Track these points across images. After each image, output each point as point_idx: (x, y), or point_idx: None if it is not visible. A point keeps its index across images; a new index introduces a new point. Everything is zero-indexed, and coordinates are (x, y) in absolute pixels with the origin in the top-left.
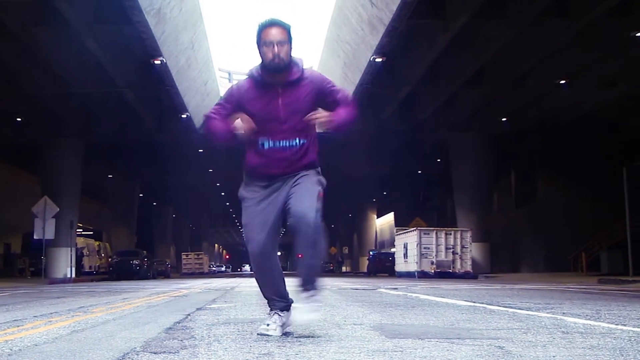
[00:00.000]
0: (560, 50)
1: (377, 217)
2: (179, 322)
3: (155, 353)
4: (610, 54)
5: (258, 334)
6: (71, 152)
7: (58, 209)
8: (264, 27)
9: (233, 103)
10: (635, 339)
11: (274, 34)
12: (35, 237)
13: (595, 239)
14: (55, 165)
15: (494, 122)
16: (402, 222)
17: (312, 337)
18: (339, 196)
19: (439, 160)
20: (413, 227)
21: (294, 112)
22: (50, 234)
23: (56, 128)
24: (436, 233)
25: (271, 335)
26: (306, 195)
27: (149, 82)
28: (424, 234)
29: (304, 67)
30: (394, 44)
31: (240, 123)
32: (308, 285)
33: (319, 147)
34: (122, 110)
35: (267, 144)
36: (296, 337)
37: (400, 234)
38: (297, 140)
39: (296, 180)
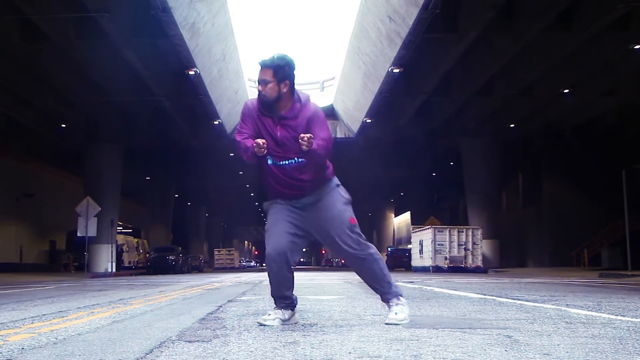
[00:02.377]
0: (564, 62)
1: (395, 216)
2: (211, 313)
3: (189, 342)
4: (609, 66)
5: (257, 322)
6: (111, 156)
7: (100, 209)
8: (260, 66)
9: (250, 121)
10: (633, 329)
11: (260, 74)
12: (78, 234)
13: (596, 237)
14: (97, 168)
15: (503, 129)
16: (417, 221)
17: (334, 326)
18: (359, 197)
19: (452, 163)
20: (428, 225)
21: (289, 139)
22: (92, 232)
23: (97, 134)
24: (449, 231)
25: (268, 326)
26: (344, 233)
27: (183, 91)
28: (438, 231)
29: (310, 102)
30: (411, 56)
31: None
32: (389, 295)
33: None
34: (159, 117)
35: (271, 161)
36: (320, 327)
37: (416, 231)
38: (296, 159)
39: (318, 211)
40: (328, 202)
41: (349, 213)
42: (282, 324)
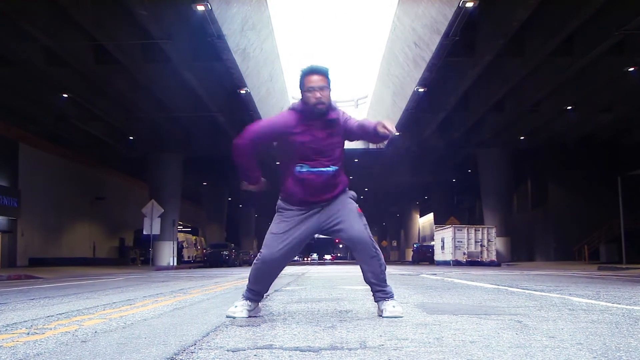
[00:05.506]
0: (567, 83)
1: (420, 217)
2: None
3: (241, 326)
4: (607, 86)
5: (226, 317)
6: (173, 164)
7: (163, 210)
8: (306, 74)
9: (274, 133)
10: (628, 315)
11: (316, 80)
12: (144, 232)
13: (595, 235)
14: (160, 174)
15: (513, 140)
16: (440, 220)
17: (367, 313)
18: (389, 200)
19: (469, 170)
20: (449, 225)
21: (332, 145)
22: (156, 230)
23: (161, 144)
24: (467, 229)
25: (236, 318)
26: (354, 220)
27: (236, 107)
28: (458, 230)
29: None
30: (433, 77)
31: (261, 185)
32: (384, 288)
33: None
34: (214, 130)
35: (305, 169)
36: (354, 313)
37: (439, 230)
38: (331, 168)
39: (335, 206)
40: (340, 199)
41: (356, 206)
42: (248, 315)
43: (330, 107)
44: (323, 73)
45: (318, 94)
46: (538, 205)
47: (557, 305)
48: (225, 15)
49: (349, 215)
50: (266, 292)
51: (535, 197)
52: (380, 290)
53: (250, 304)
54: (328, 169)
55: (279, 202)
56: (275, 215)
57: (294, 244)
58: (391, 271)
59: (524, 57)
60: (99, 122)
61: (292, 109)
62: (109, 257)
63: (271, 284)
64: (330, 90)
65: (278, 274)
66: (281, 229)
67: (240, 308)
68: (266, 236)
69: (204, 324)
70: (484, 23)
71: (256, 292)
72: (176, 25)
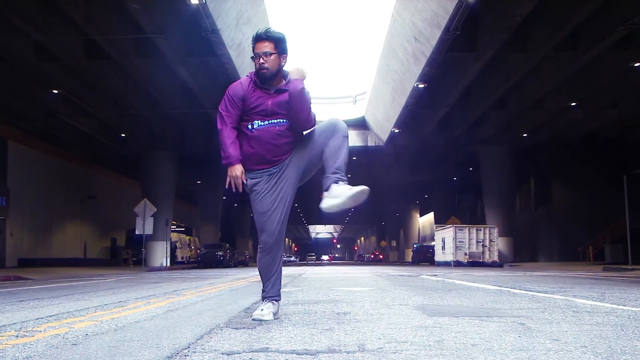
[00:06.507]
0: (571, 78)
1: (420, 216)
2: (255, 303)
3: (236, 329)
4: (612, 81)
5: (253, 320)
6: (166, 162)
7: (156, 209)
8: (255, 41)
9: (239, 103)
10: (633, 317)
11: (261, 46)
12: (136, 232)
13: (600, 235)
14: (153, 173)
15: (516, 138)
16: (440, 220)
17: (366, 315)
18: (388, 199)
19: (471, 169)
20: (449, 224)
21: (280, 109)
22: (149, 230)
23: (154, 142)
24: (469, 229)
25: (266, 320)
26: (308, 136)
27: None
28: (459, 230)
29: (294, 80)
30: (434, 72)
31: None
32: (343, 173)
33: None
34: (209, 128)
35: (257, 124)
36: (353, 315)
37: (439, 229)
38: (281, 120)
39: (294, 153)
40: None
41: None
42: (274, 317)
43: (277, 74)
44: (269, 39)
45: (262, 60)
46: (541, 204)
47: (561, 307)
48: (220, 9)
49: (306, 140)
50: (280, 283)
51: (539, 196)
52: (339, 175)
53: (274, 304)
54: (279, 120)
55: (248, 181)
56: (251, 196)
57: (282, 207)
58: (390, 272)
59: (527, 52)
60: (90, 119)
61: (249, 76)
62: (100, 257)
63: (281, 269)
64: (277, 55)
65: (282, 249)
66: (267, 206)
67: (267, 311)
68: (255, 219)
69: (198, 326)
70: (486, 17)
71: (272, 285)
72: (169, 20)
